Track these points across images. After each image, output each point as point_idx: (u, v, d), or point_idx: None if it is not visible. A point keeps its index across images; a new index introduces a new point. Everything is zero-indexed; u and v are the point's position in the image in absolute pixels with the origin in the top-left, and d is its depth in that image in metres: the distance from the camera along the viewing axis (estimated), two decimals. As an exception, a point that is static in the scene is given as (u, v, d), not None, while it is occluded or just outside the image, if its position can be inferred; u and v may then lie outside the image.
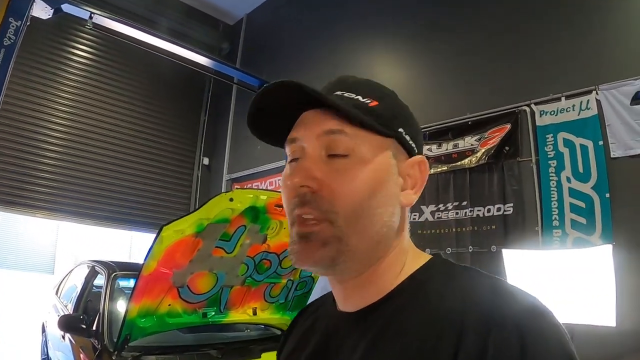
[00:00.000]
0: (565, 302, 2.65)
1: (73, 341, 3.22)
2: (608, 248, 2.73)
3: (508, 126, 3.84)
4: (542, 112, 3.64)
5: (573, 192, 3.36)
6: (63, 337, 3.44)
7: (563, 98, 3.53)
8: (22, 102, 5.93)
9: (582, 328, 2.53)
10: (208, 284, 2.76)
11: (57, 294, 4.87)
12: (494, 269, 3.43)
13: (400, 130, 0.62)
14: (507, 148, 3.81)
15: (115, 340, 2.59)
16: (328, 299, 0.73)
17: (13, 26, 3.05)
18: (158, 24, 6.79)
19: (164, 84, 7.31)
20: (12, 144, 5.82)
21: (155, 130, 7.27)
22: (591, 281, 2.69)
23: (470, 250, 3.87)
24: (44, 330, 4.88)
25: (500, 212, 3.75)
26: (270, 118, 0.64)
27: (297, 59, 6.45)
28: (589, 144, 3.34)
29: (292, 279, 3.14)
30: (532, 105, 3.71)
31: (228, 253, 2.68)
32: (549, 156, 3.55)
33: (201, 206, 2.46)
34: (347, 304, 0.66)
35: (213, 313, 2.95)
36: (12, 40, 3.04)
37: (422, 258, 0.65)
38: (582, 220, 3.27)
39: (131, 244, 15.00)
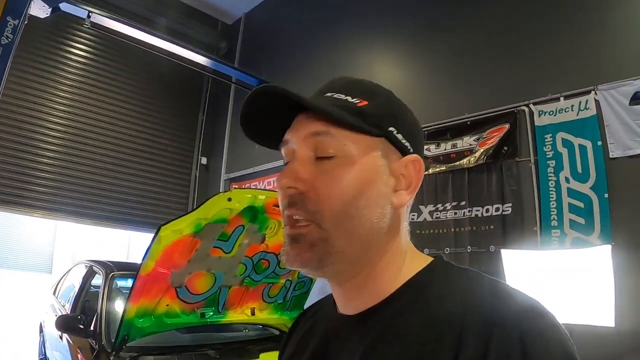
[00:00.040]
0: (564, 302, 2.64)
1: (71, 341, 3.21)
2: (607, 248, 2.73)
3: (507, 126, 3.84)
4: (540, 112, 3.64)
5: (572, 192, 3.36)
6: (60, 337, 3.43)
7: (562, 98, 3.53)
8: (20, 101, 5.92)
9: (581, 328, 2.52)
10: (206, 284, 2.75)
11: (54, 293, 4.86)
12: (492, 269, 3.43)
13: (391, 129, 0.61)
14: (505, 148, 3.81)
15: (113, 340, 2.58)
16: (328, 302, 0.73)
17: (11, 25, 3.03)
18: (156, 23, 6.78)
19: (162, 83, 7.31)
20: (10, 143, 5.81)
21: (153, 130, 7.26)
22: (590, 281, 2.69)
23: (468, 250, 3.87)
24: (41, 330, 4.87)
25: (499, 212, 3.75)
26: (271, 119, 0.64)
27: (296, 58, 6.44)
28: (588, 144, 3.34)
29: (290, 279, 3.13)
30: (531, 105, 3.71)
31: (226, 253, 2.67)
32: (547, 156, 3.55)
33: (199, 206, 2.44)
34: (347, 306, 0.66)
35: (211, 313, 2.93)
36: (9, 39, 3.03)
37: (422, 260, 0.65)
38: (581, 220, 3.27)
39: (129, 244, 14.98)
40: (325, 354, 0.65)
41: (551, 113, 3.58)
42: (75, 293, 3.84)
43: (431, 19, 4.80)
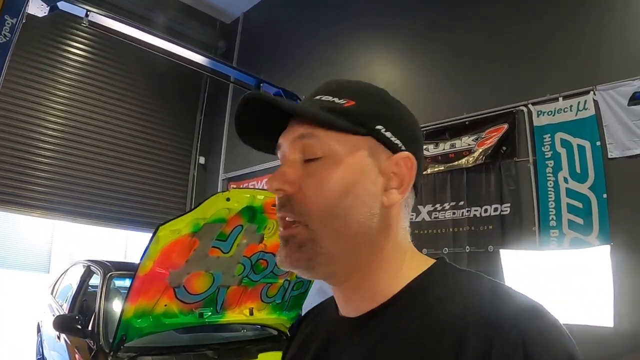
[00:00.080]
0: (563, 302, 2.65)
1: (68, 341, 3.20)
2: (606, 249, 2.73)
3: (505, 126, 3.84)
4: (539, 113, 3.65)
5: (570, 193, 3.36)
6: (58, 338, 3.42)
7: (560, 98, 3.53)
8: (18, 100, 5.91)
9: (580, 328, 2.52)
10: (204, 284, 2.74)
11: (52, 293, 4.84)
12: (491, 269, 3.43)
13: (379, 127, 0.60)
14: (504, 148, 3.81)
15: (111, 340, 2.58)
16: (330, 304, 0.72)
17: (8, 24, 3.02)
18: (154, 22, 6.77)
19: (161, 82, 7.29)
20: (7, 143, 5.80)
21: (151, 129, 7.25)
22: (589, 282, 2.69)
23: (467, 251, 3.87)
24: (39, 330, 4.85)
25: (498, 212, 3.75)
26: (267, 125, 0.65)
27: (294, 57, 6.44)
28: (587, 145, 3.35)
29: (288, 279, 3.13)
30: (530, 106, 3.71)
31: (225, 253, 2.67)
32: (546, 156, 3.55)
33: (197, 206, 2.44)
34: (347, 307, 0.65)
35: (209, 313, 2.93)
36: (7, 38, 3.01)
37: (424, 262, 0.64)
38: (580, 220, 3.27)
39: (127, 244, 14.95)
40: (327, 357, 0.65)
41: (550, 113, 3.59)
42: (73, 293, 3.83)
43: (431, 19, 4.80)
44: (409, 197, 0.65)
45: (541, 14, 3.82)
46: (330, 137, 0.59)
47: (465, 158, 4.03)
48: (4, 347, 6.48)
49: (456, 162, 4.09)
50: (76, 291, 3.77)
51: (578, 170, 3.35)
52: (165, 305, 2.64)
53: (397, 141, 0.61)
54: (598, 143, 3.29)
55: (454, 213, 4.03)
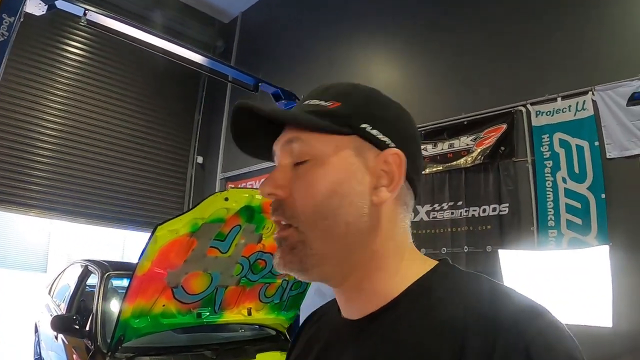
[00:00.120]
0: (561, 302, 2.65)
1: (66, 341, 3.19)
2: (604, 249, 2.73)
3: (504, 126, 3.84)
4: (538, 113, 3.65)
5: (569, 193, 3.36)
6: (56, 338, 3.41)
7: (559, 98, 3.53)
8: (15, 99, 5.89)
9: (579, 329, 2.51)
10: (202, 284, 2.74)
11: (49, 293, 4.83)
12: (489, 269, 3.43)
13: (364, 126, 0.60)
14: (502, 148, 3.81)
15: (108, 340, 2.57)
16: (332, 307, 0.72)
17: (6, 22, 3.00)
18: (153, 22, 6.75)
19: (159, 82, 7.28)
20: (4, 142, 5.78)
21: (149, 129, 7.24)
22: (587, 282, 2.70)
23: (465, 251, 3.87)
24: (36, 330, 4.84)
25: (496, 212, 3.75)
26: (263, 133, 0.66)
27: (293, 57, 6.43)
28: (585, 145, 3.35)
29: (287, 279, 3.12)
30: (528, 106, 3.71)
31: (223, 253, 2.66)
32: (544, 156, 3.55)
33: (196, 205, 2.44)
34: (348, 309, 0.65)
35: (208, 313, 2.92)
36: (5, 37, 3.00)
37: (425, 262, 0.64)
38: (578, 220, 3.27)
39: (124, 244, 14.93)
40: (328, 359, 0.65)
41: (548, 113, 3.59)
42: (71, 293, 3.82)
43: (431, 19, 4.80)
44: (406, 195, 0.64)
45: (540, 14, 3.82)
46: (314, 139, 0.60)
47: (464, 158, 4.03)
48: (1, 347, 6.46)
49: (454, 162, 4.09)
50: (74, 291, 3.76)
51: (576, 170, 3.35)
52: (163, 306, 2.63)
53: (385, 138, 0.61)
54: (596, 143, 3.29)
55: (452, 213, 4.03)
